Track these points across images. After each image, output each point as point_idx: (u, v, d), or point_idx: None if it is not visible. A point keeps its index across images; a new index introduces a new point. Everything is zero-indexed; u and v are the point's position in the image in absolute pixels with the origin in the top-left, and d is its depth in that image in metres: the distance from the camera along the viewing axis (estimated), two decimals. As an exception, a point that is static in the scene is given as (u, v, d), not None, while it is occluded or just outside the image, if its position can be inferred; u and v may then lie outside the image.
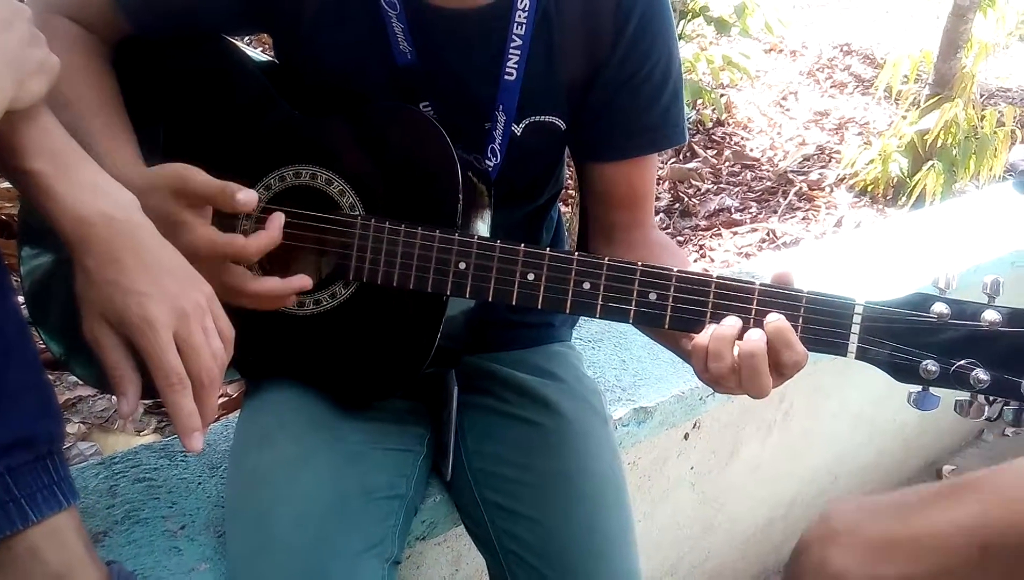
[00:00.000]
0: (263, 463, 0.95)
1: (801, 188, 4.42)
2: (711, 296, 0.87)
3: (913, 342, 0.82)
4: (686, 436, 1.65)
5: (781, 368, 0.84)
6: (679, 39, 3.55)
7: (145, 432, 2.01)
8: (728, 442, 1.78)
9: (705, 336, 0.85)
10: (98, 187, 0.73)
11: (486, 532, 1.07)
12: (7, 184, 2.21)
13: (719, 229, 3.98)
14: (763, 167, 4.66)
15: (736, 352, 0.84)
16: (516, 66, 1.00)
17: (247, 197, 0.88)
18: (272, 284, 0.92)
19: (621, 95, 1.05)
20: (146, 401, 1.80)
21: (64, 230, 0.72)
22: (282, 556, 0.87)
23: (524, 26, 0.99)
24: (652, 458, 1.59)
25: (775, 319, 0.84)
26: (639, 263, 0.89)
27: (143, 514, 1.04)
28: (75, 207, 0.71)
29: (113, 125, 0.94)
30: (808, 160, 4.82)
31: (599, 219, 1.15)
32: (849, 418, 2.14)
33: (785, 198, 4.29)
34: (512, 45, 1.00)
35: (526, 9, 0.99)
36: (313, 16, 1.01)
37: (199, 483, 1.10)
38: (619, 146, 1.08)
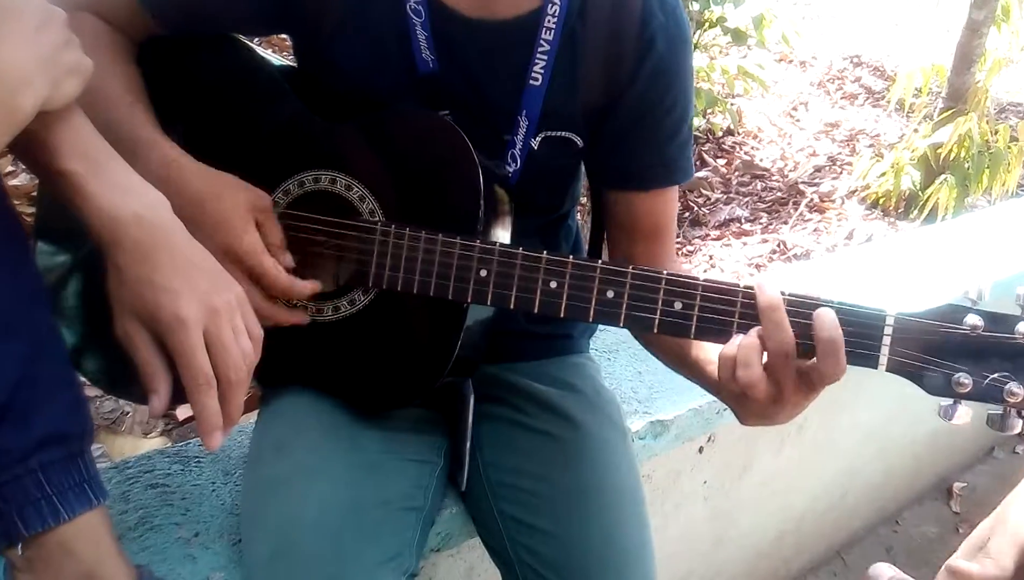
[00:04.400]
0: (280, 471, 0.94)
1: (812, 199, 4.41)
2: (738, 306, 0.86)
3: (945, 354, 0.80)
4: (701, 450, 1.63)
5: (820, 377, 0.81)
6: (694, 49, 3.56)
7: (152, 435, 2.00)
8: (741, 456, 1.76)
9: (732, 346, 0.84)
10: (130, 187, 0.74)
11: (502, 545, 1.05)
12: (16, 181, 2.23)
13: (729, 239, 3.97)
14: (773, 177, 4.65)
15: (765, 358, 0.82)
16: (542, 71, 1.00)
17: (306, 286, 0.96)
18: (282, 314, 0.97)
19: (642, 125, 1.04)
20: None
21: (96, 229, 0.72)
22: (300, 566, 0.86)
23: (553, 32, 0.98)
24: (666, 471, 1.58)
25: (831, 326, 0.80)
26: (664, 272, 0.88)
27: (156, 520, 1.03)
28: (107, 207, 0.71)
29: (149, 121, 0.95)
30: (819, 171, 4.80)
31: (620, 250, 1.14)
32: (861, 434, 2.13)
33: (796, 209, 4.29)
34: (539, 50, 0.99)
35: (556, 15, 0.98)
36: (336, 20, 1.00)
37: (213, 490, 1.09)
38: (640, 176, 1.08)
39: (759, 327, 0.84)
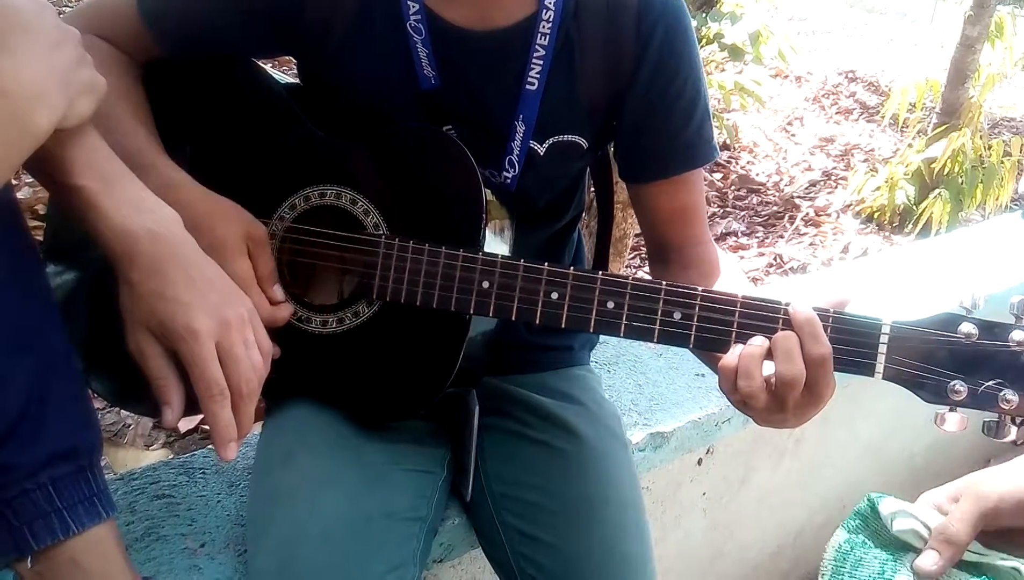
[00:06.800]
0: (286, 482, 0.95)
1: (807, 213, 4.43)
2: (736, 316, 0.87)
3: (941, 362, 0.82)
4: (700, 462, 1.64)
5: (809, 364, 0.81)
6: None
7: (154, 447, 2.01)
8: (740, 469, 1.77)
9: (732, 356, 0.85)
10: (142, 203, 0.75)
11: (505, 556, 1.06)
12: (20, 194, 2.25)
13: (726, 253, 3.98)
14: (769, 192, 4.68)
15: (765, 371, 0.83)
16: (538, 76, 1.01)
17: (278, 294, 0.97)
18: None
19: (654, 115, 1.05)
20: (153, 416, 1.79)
21: (109, 244, 0.73)
22: (305, 576, 0.86)
23: (548, 36, 1.00)
24: (666, 483, 1.59)
25: (802, 309, 0.83)
26: (663, 282, 0.89)
27: (162, 531, 1.03)
28: (121, 222, 0.73)
29: (152, 144, 0.96)
30: (814, 185, 4.83)
31: (653, 241, 1.15)
32: (859, 448, 2.13)
33: (792, 223, 4.31)
34: (535, 56, 1.00)
35: (550, 20, 1.00)
36: (339, 40, 1.02)
37: (218, 501, 1.10)
38: (658, 166, 1.09)
39: (758, 337, 0.85)
